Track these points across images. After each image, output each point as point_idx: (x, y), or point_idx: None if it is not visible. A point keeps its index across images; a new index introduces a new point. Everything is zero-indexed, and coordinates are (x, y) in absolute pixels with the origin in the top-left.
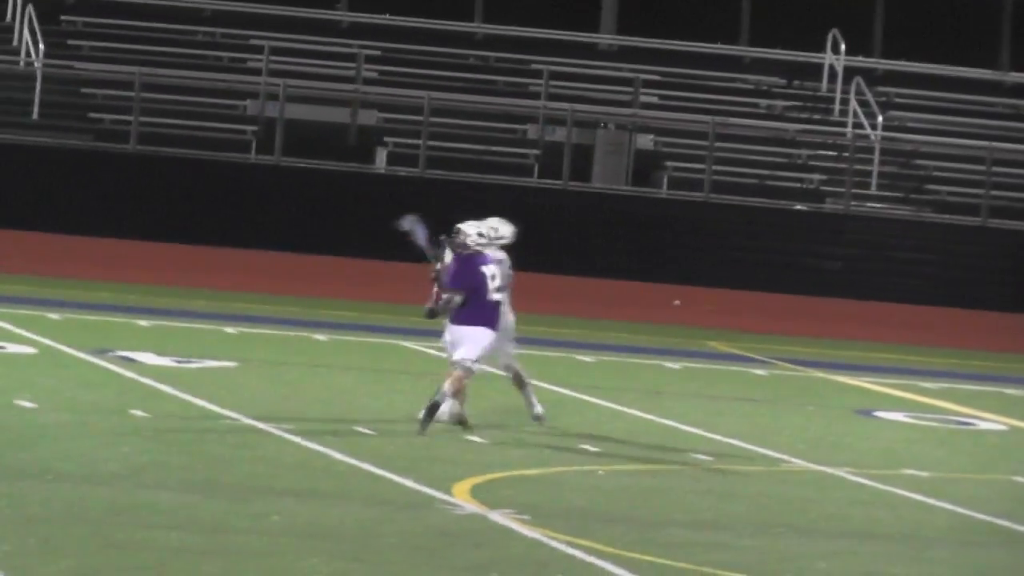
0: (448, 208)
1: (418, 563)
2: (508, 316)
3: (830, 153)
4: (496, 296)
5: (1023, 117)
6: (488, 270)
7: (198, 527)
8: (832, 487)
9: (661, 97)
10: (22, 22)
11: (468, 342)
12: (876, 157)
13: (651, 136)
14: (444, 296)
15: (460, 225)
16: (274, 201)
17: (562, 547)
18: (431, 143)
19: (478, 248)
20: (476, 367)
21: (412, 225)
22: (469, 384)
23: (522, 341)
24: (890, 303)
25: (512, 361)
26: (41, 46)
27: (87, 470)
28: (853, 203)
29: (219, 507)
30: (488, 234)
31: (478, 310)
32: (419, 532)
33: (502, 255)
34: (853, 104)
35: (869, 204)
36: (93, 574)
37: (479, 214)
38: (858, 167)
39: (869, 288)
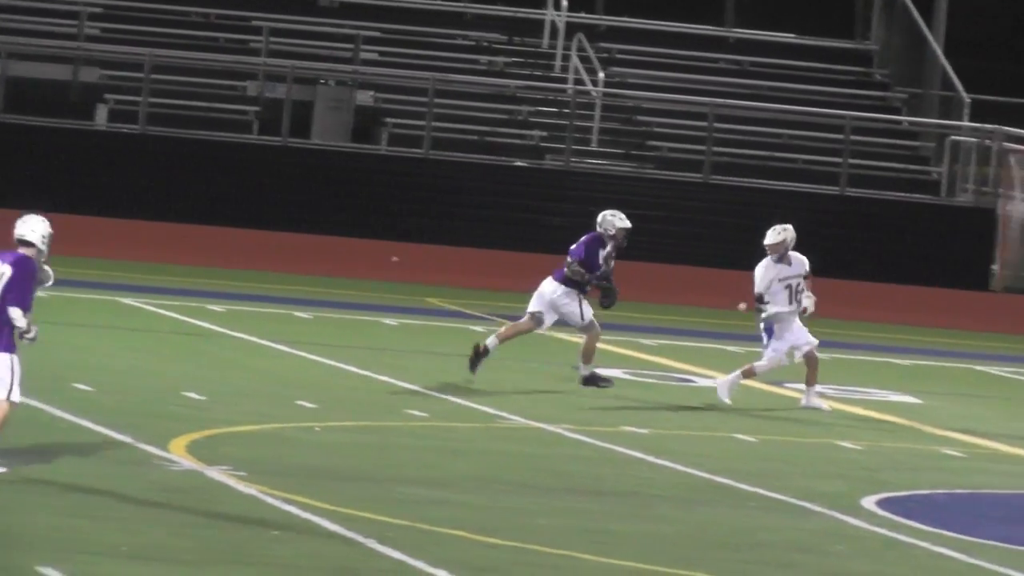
0: (169, 166)
1: (136, 519)
2: None
3: (551, 109)
4: None
5: (747, 73)
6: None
7: None
8: (554, 444)
9: (382, 54)
10: None
11: None
12: (597, 113)
13: (371, 92)
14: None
15: None
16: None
17: (278, 503)
18: (152, 100)
19: None
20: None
21: None
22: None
23: (242, 298)
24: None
25: None
26: None
27: None
28: (573, 159)
29: None
30: None
31: None
32: (137, 489)
33: None
34: (574, 60)
35: (590, 160)
36: None
37: (200, 171)
38: (579, 123)
39: None
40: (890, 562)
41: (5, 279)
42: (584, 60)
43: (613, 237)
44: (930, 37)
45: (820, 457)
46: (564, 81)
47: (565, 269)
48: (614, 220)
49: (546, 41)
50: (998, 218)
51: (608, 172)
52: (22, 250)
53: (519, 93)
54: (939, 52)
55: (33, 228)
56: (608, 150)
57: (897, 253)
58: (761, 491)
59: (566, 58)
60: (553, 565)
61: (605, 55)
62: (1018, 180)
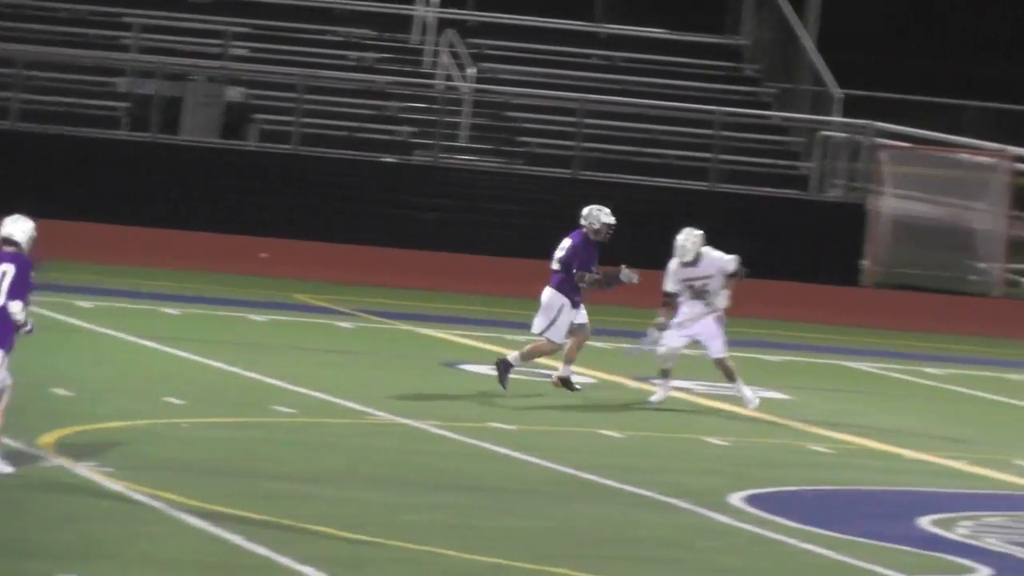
0: (38, 162)
1: (2, 515)
2: None
3: (420, 105)
4: None
5: (617, 69)
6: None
7: None
8: (419, 440)
9: (252, 50)
10: None
11: None
12: (467, 109)
13: (241, 89)
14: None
15: None
16: None
17: (146, 499)
18: (22, 96)
19: None
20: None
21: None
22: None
23: (110, 294)
24: (480, 255)
25: None
26: None
27: None
28: (442, 155)
29: None
30: None
31: None
32: (3, 485)
33: None
34: (444, 56)
35: (459, 156)
36: None
37: (69, 167)
38: (448, 119)
39: (459, 240)
40: (758, 558)
41: (9, 277)
42: (454, 56)
43: (598, 232)
44: (801, 32)
45: (687, 453)
46: (434, 77)
47: (561, 278)
48: (600, 215)
49: (416, 37)
50: (868, 214)
51: (477, 168)
52: (8, 248)
53: (388, 89)
54: (810, 47)
55: (23, 229)
56: (477, 146)
57: (767, 249)
58: (628, 487)
59: (436, 54)
60: (418, 561)
61: (475, 51)
62: (888, 176)
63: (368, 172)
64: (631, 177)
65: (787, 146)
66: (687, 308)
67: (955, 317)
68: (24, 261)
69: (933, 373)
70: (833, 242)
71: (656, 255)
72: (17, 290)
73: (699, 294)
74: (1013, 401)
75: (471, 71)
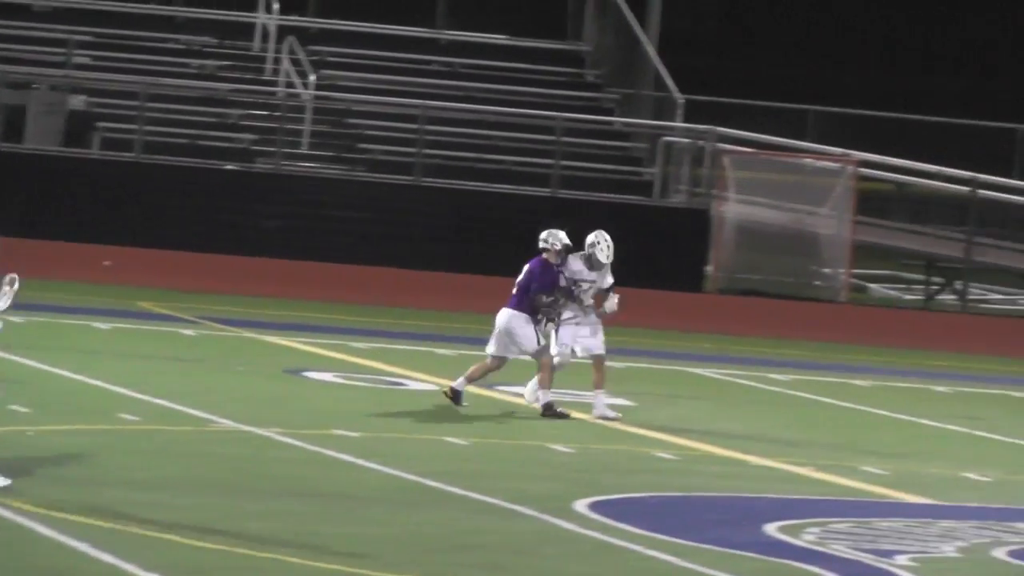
0: None
1: None
2: None
3: (262, 113)
4: None
5: (458, 75)
6: None
7: None
8: (264, 447)
9: (94, 58)
10: None
11: None
12: (308, 116)
13: (84, 97)
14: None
15: None
16: None
17: None
18: None
19: None
20: None
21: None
22: None
23: None
24: (323, 262)
25: None
26: None
27: None
28: (284, 162)
29: None
30: None
31: None
32: None
33: None
34: (285, 63)
35: (301, 164)
36: None
37: None
38: (290, 126)
39: (302, 247)
40: (602, 565)
41: None
42: (295, 63)
43: (559, 254)
44: (643, 37)
45: (531, 459)
46: (275, 84)
47: (518, 300)
48: (560, 236)
49: (257, 44)
50: (712, 219)
51: (319, 175)
52: None
53: (230, 96)
54: (652, 52)
55: None
56: (319, 153)
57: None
58: (472, 494)
59: (277, 61)
60: (262, 568)
61: (316, 58)
62: (732, 181)
63: (210, 180)
64: (473, 184)
65: (630, 152)
66: (574, 313)
67: (800, 323)
68: None
69: (778, 379)
70: (677, 248)
71: (499, 261)
72: None
73: (575, 297)
74: (859, 407)
75: (312, 78)
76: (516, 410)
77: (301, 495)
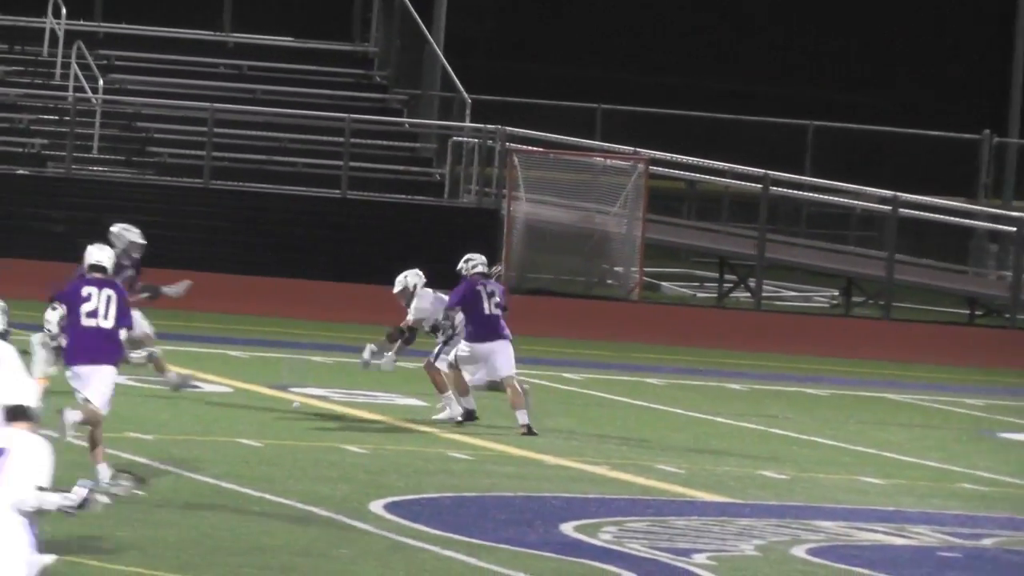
0: None
1: None
2: None
3: (52, 117)
4: None
5: (245, 78)
6: None
7: None
8: (55, 450)
9: None
10: None
11: None
12: (97, 120)
13: None
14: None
15: None
16: None
17: None
18: None
19: None
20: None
21: None
22: None
23: None
24: None
25: None
26: None
27: None
28: (75, 167)
29: None
30: None
31: None
32: None
33: None
34: (74, 68)
35: (91, 168)
36: None
37: None
38: (80, 131)
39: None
40: (396, 566)
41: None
42: (84, 67)
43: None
44: (429, 37)
45: (325, 461)
46: (64, 89)
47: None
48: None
49: (46, 49)
50: (502, 219)
51: (109, 179)
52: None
53: (19, 101)
54: (439, 52)
55: (109, 255)
56: (109, 157)
57: (402, 255)
58: (266, 496)
59: (66, 66)
60: (58, 572)
61: (104, 62)
62: (522, 180)
63: (1, 185)
64: (263, 186)
65: (419, 152)
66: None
67: (592, 322)
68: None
69: (571, 378)
70: (468, 248)
71: (289, 264)
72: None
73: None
74: (653, 405)
75: (101, 82)
76: (308, 411)
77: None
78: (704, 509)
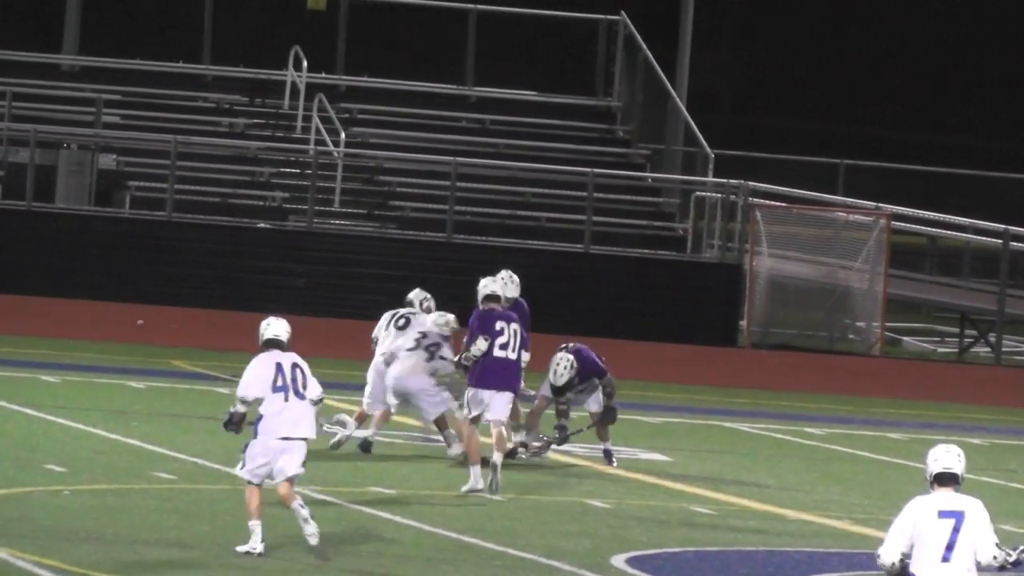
0: None
1: None
2: None
3: (293, 170)
4: None
5: (488, 132)
6: None
7: None
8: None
9: (123, 117)
10: None
11: None
12: (339, 174)
13: (114, 156)
14: None
15: None
16: None
17: (29, 567)
18: None
19: None
20: None
21: None
22: None
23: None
24: (355, 320)
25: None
26: None
27: None
28: (316, 220)
29: None
30: None
31: None
32: None
33: None
34: (315, 121)
35: (333, 221)
36: None
37: None
38: (321, 184)
39: (334, 305)
40: None
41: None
42: (325, 120)
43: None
44: (672, 92)
45: (567, 515)
46: (306, 142)
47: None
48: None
49: (287, 102)
50: (745, 274)
51: (351, 232)
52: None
53: (261, 154)
54: (682, 107)
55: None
56: (350, 210)
57: (643, 311)
58: (508, 550)
59: (307, 119)
60: None
61: (346, 115)
62: (764, 235)
63: (242, 238)
64: (505, 240)
65: (661, 207)
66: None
67: (834, 376)
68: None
69: (813, 433)
70: (710, 303)
71: (535, 319)
72: None
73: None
74: (894, 460)
75: (342, 135)
76: (550, 464)
77: (345, 555)
78: None
